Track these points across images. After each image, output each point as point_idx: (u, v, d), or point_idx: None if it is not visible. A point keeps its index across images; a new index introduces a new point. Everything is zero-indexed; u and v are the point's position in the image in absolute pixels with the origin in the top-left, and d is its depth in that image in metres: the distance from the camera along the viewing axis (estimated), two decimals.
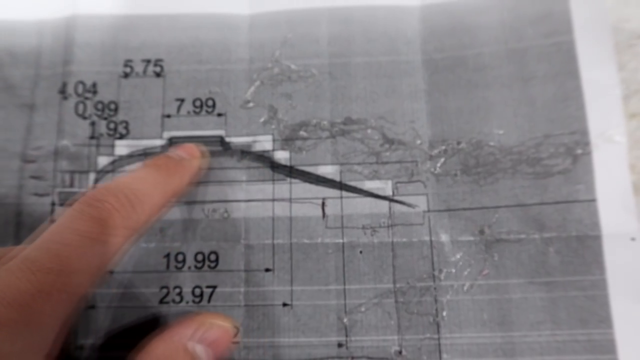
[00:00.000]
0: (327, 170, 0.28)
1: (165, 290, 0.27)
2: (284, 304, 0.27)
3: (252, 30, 0.30)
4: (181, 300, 0.27)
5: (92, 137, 0.29)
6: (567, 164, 0.27)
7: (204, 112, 0.29)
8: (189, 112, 0.29)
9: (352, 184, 0.28)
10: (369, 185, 0.28)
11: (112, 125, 0.29)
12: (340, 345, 0.26)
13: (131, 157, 0.29)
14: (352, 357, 0.26)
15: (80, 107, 0.29)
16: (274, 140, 0.29)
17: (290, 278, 0.27)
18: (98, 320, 0.27)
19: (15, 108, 0.29)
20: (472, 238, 0.27)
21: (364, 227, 0.27)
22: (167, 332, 0.22)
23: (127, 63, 0.30)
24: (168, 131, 0.29)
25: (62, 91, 0.30)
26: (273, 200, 0.28)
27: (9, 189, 0.28)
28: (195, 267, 0.27)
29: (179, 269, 0.27)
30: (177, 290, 0.27)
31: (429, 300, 0.26)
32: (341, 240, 0.27)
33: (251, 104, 0.29)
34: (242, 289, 0.27)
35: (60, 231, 0.21)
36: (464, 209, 0.27)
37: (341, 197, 0.28)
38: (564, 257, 0.26)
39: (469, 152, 0.28)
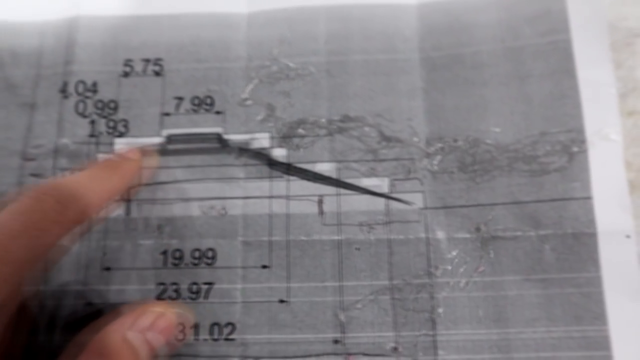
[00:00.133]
0: (325, 168, 0.28)
1: (162, 287, 0.27)
2: (281, 301, 0.27)
3: (250, 29, 0.30)
4: (178, 297, 0.27)
5: (91, 136, 0.29)
6: (563, 161, 0.27)
7: (202, 110, 0.29)
8: (187, 110, 0.29)
9: (349, 181, 0.28)
10: (366, 182, 0.28)
11: (111, 124, 0.29)
12: (336, 341, 0.26)
13: None
14: (349, 354, 0.26)
15: (81, 106, 0.30)
16: (271, 138, 0.29)
17: (287, 275, 0.27)
18: (95, 317, 0.27)
19: (16, 107, 0.30)
20: (468, 235, 0.27)
21: (360, 224, 0.28)
22: (105, 321, 0.22)
23: (127, 62, 0.30)
24: (167, 129, 0.29)
25: (63, 90, 0.30)
26: (270, 197, 0.28)
27: (9, 186, 0.29)
28: (193, 263, 0.27)
29: (176, 265, 0.27)
30: (174, 286, 0.27)
31: (425, 297, 0.27)
32: (338, 237, 0.27)
33: (249, 102, 0.29)
34: (239, 286, 0.27)
35: None
36: (461, 207, 0.27)
37: (338, 195, 0.28)
38: (560, 255, 0.26)
39: (465, 150, 0.28)
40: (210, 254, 0.27)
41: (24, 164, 0.29)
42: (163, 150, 0.29)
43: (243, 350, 0.26)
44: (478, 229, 0.27)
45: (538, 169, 0.27)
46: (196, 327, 0.27)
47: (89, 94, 0.30)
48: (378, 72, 0.29)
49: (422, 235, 0.27)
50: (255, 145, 0.29)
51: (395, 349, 0.26)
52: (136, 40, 0.31)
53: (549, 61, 0.29)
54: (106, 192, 0.25)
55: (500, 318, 0.26)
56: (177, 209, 0.28)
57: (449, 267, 0.27)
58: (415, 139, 0.28)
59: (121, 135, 0.29)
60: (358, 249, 0.27)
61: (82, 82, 0.30)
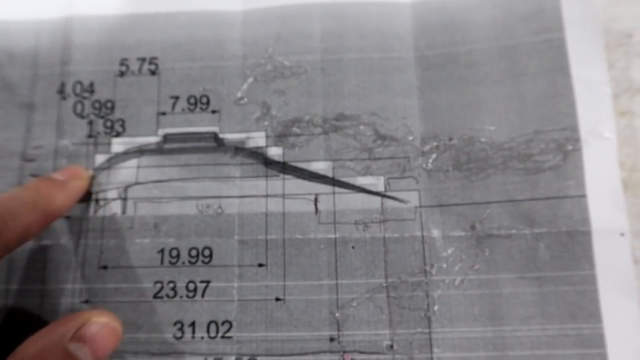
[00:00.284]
0: (320, 166, 0.28)
1: (159, 285, 0.27)
2: (277, 299, 0.27)
3: (245, 27, 0.30)
4: (175, 295, 0.27)
5: (89, 136, 0.29)
6: (557, 160, 0.27)
7: (198, 109, 0.29)
8: (183, 110, 0.30)
9: (345, 179, 0.28)
10: (361, 181, 0.28)
11: (108, 124, 0.30)
12: (332, 339, 0.26)
13: (127, 154, 0.29)
14: (344, 352, 0.26)
15: (79, 106, 0.30)
16: (267, 137, 0.29)
17: (283, 273, 0.27)
18: None
19: (14, 107, 0.30)
20: (463, 233, 0.27)
21: (356, 223, 0.28)
22: (43, 330, 0.22)
23: (123, 62, 0.30)
24: (163, 128, 0.29)
25: (61, 91, 0.30)
26: (266, 196, 0.28)
27: (9, 187, 0.29)
28: (189, 262, 0.27)
29: (173, 264, 0.27)
30: (171, 285, 0.27)
31: (421, 295, 0.27)
32: (333, 236, 0.27)
33: (244, 101, 0.29)
34: (235, 284, 0.27)
35: None
36: (456, 205, 0.28)
37: (334, 193, 0.28)
38: (554, 253, 0.26)
39: (460, 148, 0.28)
40: (206, 252, 0.28)
41: (24, 164, 0.29)
42: (159, 150, 0.29)
43: (239, 348, 0.26)
44: (473, 227, 0.27)
45: (532, 167, 0.27)
46: (193, 325, 0.27)
47: (86, 94, 0.30)
48: (373, 71, 0.29)
49: (418, 233, 0.27)
50: (251, 144, 0.29)
51: (390, 347, 0.26)
52: (131, 39, 0.31)
53: (543, 59, 0.29)
54: (41, 213, 0.25)
55: (495, 316, 0.26)
56: (174, 208, 0.28)
57: (444, 265, 0.27)
58: (410, 138, 0.28)
59: (118, 135, 0.29)
60: (354, 247, 0.27)
61: (80, 82, 0.30)
